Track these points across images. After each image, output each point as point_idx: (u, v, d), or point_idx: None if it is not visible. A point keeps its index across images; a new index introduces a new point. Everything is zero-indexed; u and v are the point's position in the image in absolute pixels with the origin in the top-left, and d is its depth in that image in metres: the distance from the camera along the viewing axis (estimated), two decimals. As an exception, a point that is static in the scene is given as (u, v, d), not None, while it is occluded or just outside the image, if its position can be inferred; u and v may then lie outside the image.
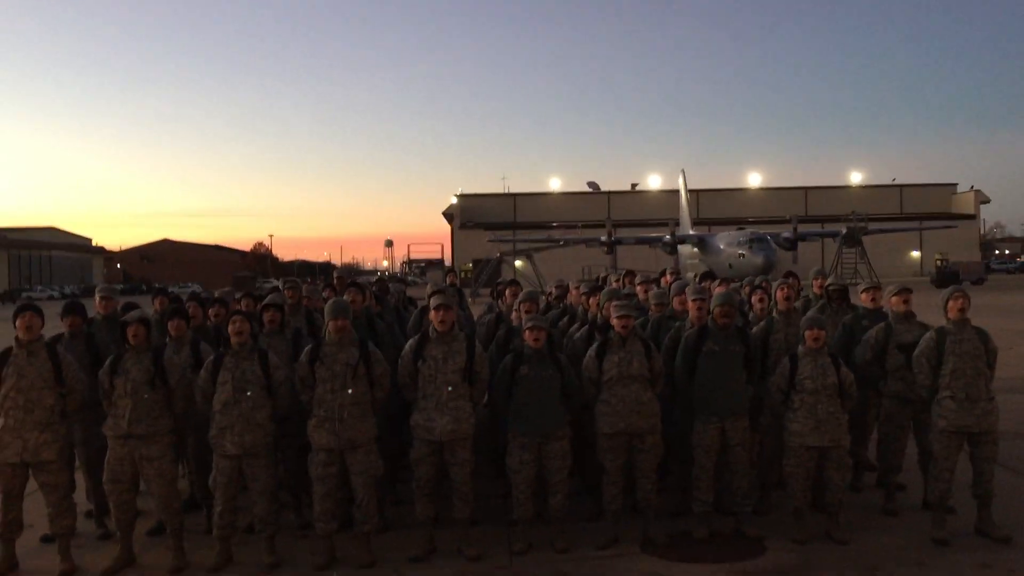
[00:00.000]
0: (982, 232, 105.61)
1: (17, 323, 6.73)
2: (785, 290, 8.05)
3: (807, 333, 7.09)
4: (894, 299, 7.79)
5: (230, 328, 6.82)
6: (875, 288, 8.34)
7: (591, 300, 8.50)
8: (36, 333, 6.75)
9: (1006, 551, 6.71)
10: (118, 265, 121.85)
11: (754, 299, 8.58)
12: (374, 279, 10.21)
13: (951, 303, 7.07)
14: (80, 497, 7.75)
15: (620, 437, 7.02)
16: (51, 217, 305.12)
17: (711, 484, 7.19)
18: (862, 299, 8.38)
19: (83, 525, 7.66)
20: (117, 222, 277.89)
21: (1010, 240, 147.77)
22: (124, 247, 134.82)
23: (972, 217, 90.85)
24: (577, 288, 9.42)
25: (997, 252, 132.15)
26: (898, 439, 7.85)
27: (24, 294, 77.91)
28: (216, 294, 9.23)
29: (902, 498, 8.01)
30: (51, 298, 72.03)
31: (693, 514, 7.31)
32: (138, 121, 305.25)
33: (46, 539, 7.21)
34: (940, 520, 7.06)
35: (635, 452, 7.06)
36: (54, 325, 7.67)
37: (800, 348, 7.15)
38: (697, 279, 10.37)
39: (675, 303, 8.22)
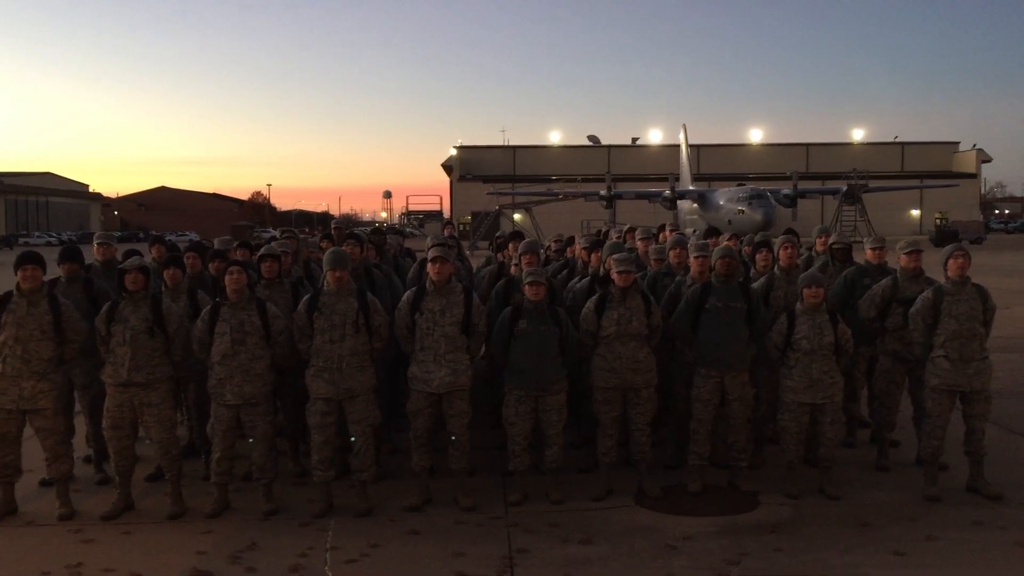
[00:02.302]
0: (983, 191, 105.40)
1: (19, 274, 6.70)
2: (789, 249, 8.01)
3: (805, 291, 7.08)
4: (904, 257, 7.70)
5: (226, 280, 6.78)
6: (881, 247, 8.31)
7: (592, 255, 8.49)
8: (37, 284, 6.74)
9: (997, 508, 6.78)
10: (115, 212, 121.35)
11: (758, 257, 8.52)
12: (371, 230, 10.14)
13: (951, 262, 7.05)
14: (79, 442, 7.81)
15: (615, 391, 7.05)
16: (48, 162, 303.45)
17: (708, 438, 7.24)
18: (867, 255, 8.34)
19: (82, 470, 7.73)
20: (114, 169, 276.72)
21: (1010, 200, 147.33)
22: (121, 194, 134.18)
23: (973, 176, 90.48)
24: (579, 243, 9.38)
25: (997, 212, 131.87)
26: (892, 396, 7.89)
27: (21, 239, 77.82)
28: (216, 243, 9.19)
29: (895, 454, 8.08)
30: (48, 244, 71.92)
31: (688, 467, 7.36)
32: (136, 67, 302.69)
33: (45, 483, 7.27)
34: (932, 476, 7.12)
35: (630, 405, 7.10)
36: (51, 270, 7.65)
37: (798, 305, 7.15)
38: (702, 236, 10.33)
39: (671, 256, 8.21)
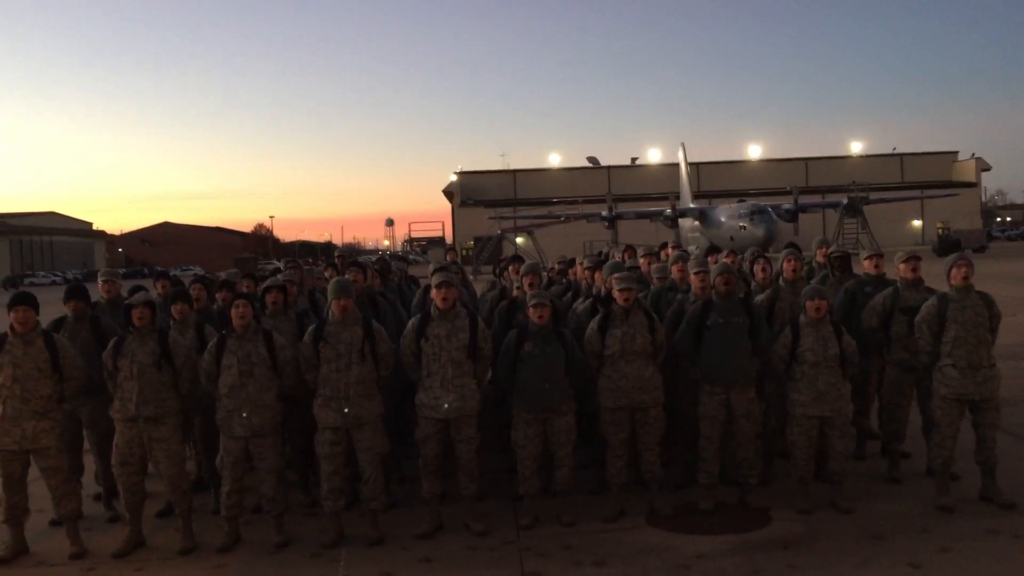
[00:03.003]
0: (983, 200, 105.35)
1: (12, 316, 6.71)
2: (793, 262, 8.03)
3: (808, 303, 7.08)
4: (902, 266, 7.73)
5: (232, 312, 6.80)
6: (878, 256, 8.33)
7: (595, 275, 8.51)
8: (31, 325, 6.74)
9: (1011, 516, 6.74)
10: (119, 249, 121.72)
11: (756, 268, 8.58)
12: (375, 258, 10.18)
13: (954, 271, 7.05)
14: (88, 480, 7.80)
15: (623, 411, 7.04)
16: (51, 202, 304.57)
17: (716, 455, 7.22)
18: (864, 266, 8.36)
19: (93, 508, 7.72)
20: (117, 206, 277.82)
21: (1011, 207, 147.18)
22: (125, 231, 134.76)
23: (973, 185, 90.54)
24: (581, 264, 9.41)
25: (999, 219, 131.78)
26: (901, 407, 7.87)
27: (26, 279, 77.97)
28: (222, 276, 9.22)
29: (906, 466, 8.04)
30: (53, 283, 72.09)
31: (698, 485, 7.34)
32: (135, 105, 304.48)
33: (55, 523, 7.26)
34: (944, 487, 7.09)
35: (638, 425, 7.09)
36: (58, 309, 7.69)
37: (802, 318, 7.16)
38: (703, 253, 10.37)
39: (674, 271, 8.24)
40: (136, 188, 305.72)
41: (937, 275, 7.60)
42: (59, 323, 7.59)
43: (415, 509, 7.23)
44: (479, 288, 12.04)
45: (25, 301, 6.75)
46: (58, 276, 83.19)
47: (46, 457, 6.78)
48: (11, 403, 6.63)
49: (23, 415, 6.65)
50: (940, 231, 78.46)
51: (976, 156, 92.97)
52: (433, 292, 6.97)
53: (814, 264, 9.58)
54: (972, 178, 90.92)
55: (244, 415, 6.66)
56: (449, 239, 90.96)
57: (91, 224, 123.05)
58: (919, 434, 7.97)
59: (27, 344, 6.68)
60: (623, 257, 10.41)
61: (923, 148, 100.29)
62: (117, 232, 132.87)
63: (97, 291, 8.43)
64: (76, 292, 7.66)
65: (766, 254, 8.75)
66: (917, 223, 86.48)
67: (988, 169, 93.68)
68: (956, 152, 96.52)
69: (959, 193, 78.43)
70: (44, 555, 6.82)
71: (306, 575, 6.16)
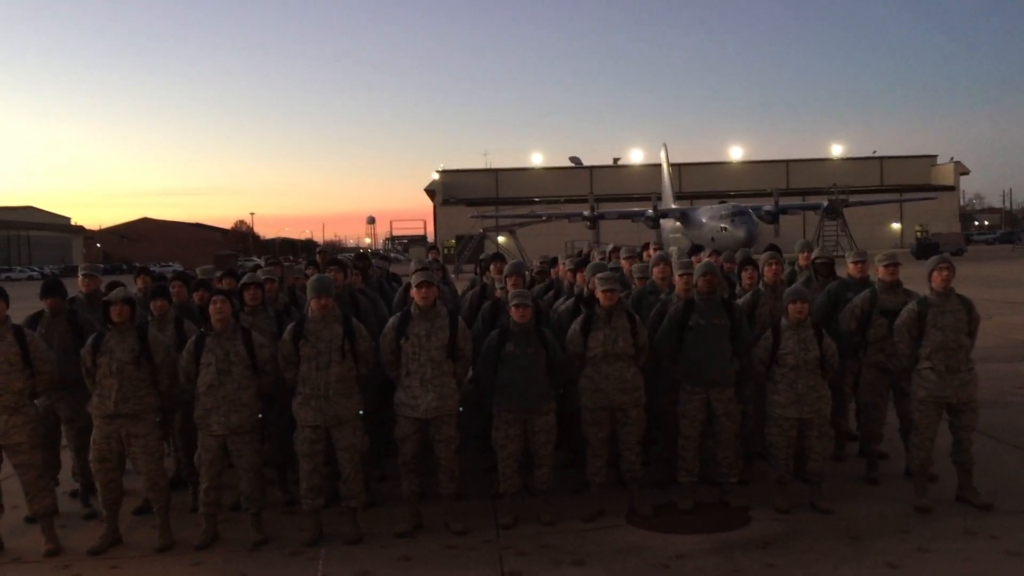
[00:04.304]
0: (962, 203, 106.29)
1: None
2: (774, 266, 8.08)
3: (790, 306, 7.11)
4: (881, 269, 7.81)
5: (211, 310, 6.75)
6: (863, 260, 8.37)
7: (578, 275, 8.51)
8: (1, 319, 6.68)
9: (988, 518, 6.79)
10: (98, 244, 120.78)
11: (744, 275, 8.58)
12: (355, 255, 10.13)
13: (935, 274, 7.09)
14: (66, 476, 7.73)
15: (604, 411, 7.05)
16: (29, 197, 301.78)
17: (696, 455, 7.23)
18: (849, 269, 8.41)
19: (69, 505, 7.65)
20: (96, 201, 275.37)
21: (989, 211, 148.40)
22: (103, 226, 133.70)
23: (952, 188, 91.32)
24: (564, 263, 9.40)
25: (977, 223, 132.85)
26: (877, 408, 7.92)
27: (3, 274, 77.27)
28: (199, 272, 9.15)
29: (884, 467, 8.09)
30: (30, 278, 71.44)
31: (678, 485, 7.36)
32: (115, 100, 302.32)
33: (30, 520, 7.18)
34: (922, 488, 7.14)
35: (619, 425, 7.09)
36: (35, 304, 7.61)
37: (783, 321, 7.18)
38: (686, 253, 10.38)
39: (655, 273, 8.23)
40: (115, 184, 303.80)
41: (915, 278, 7.65)
42: (36, 318, 7.51)
43: (394, 508, 7.21)
44: (460, 287, 12.01)
45: None
46: (35, 271, 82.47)
47: (18, 453, 6.71)
48: None
49: None
50: (919, 234, 79.09)
51: (955, 160, 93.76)
52: (413, 291, 6.95)
53: (796, 268, 9.60)
54: (951, 182, 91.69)
55: (222, 413, 6.62)
56: (431, 237, 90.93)
57: (69, 219, 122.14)
58: (896, 435, 8.03)
59: None
60: (609, 257, 10.42)
61: (903, 151, 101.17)
62: (96, 227, 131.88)
63: (75, 286, 8.35)
64: (53, 288, 7.58)
65: (753, 259, 8.73)
66: (896, 226, 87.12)
67: (967, 173, 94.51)
68: (935, 156, 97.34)
69: (937, 196, 79.22)
70: (19, 552, 6.76)
71: (284, 573, 6.12)
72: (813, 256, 9.04)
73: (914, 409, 7.19)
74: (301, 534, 6.78)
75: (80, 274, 8.49)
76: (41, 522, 6.81)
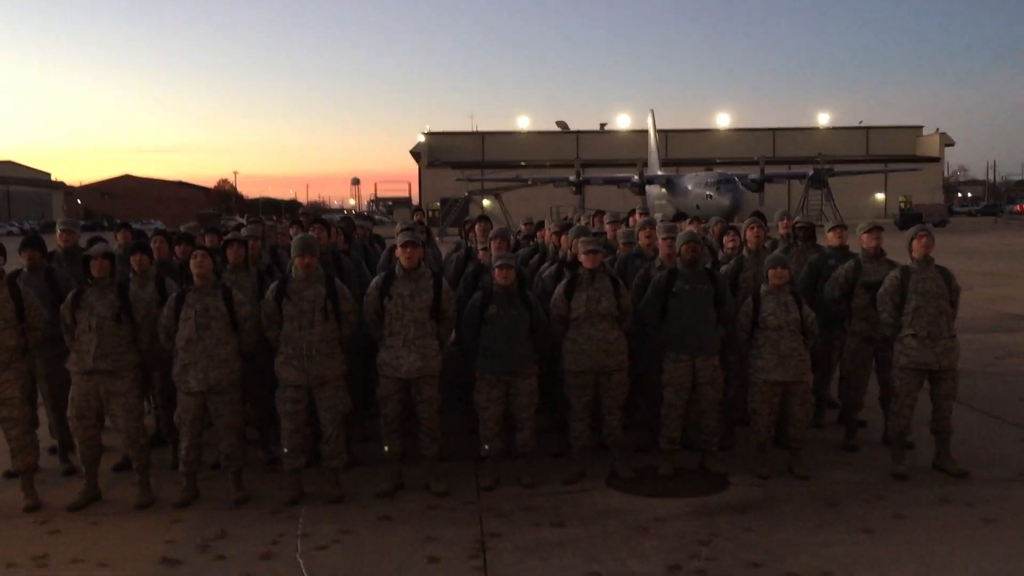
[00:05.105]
0: (946, 175, 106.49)
1: None
2: (755, 229, 8.09)
3: (770, 272, 7.13)
4: (865, 236, 7.85)
5: (191, 264, 6.69)
6: (842, 227, 8.39)
7: (562, 239, 8.48)
8: None
9: (963, 485, 6.87)
10: (78, 201, 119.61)
11: (726, 240, 8.62)
12: (339, 217, 10.07)
13: (915, 242, 7.12)
14: (44, 433, 7.69)
15: (587, 374, 7.06)
16: (8, 151, 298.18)
17: (679, 422, 7.26)
18: (828, 238, 8.43)
19: (48, 461, 7.62)
20: (77, 157, 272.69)
21: (973, 183, 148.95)
22: (84, 183, 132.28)
23: (937, 160, 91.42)
24: (549, 228, 9.37)
25: (960, 195, 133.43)
26: (860, 377, 7.97)
27: (-18, 230, 76.47)
28: (182, 229, 9.07)
29: (863, 435, 8.17)
30: (10, 234, 70.74)
31: (659, 450, 7.40)
32: (97, 55, 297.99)
33: (10, 475, 7.16)
34: (899, 455, 7.21)
35: (602, 389, 7.11)
36: (13, 260, 7.53)
37: (763, 287, 7.20)
38: (670, 220, 10.36)
39: (641, 237, 8.21)
40: (97, 140, 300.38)
41: (898, 249, 7.67)
42: (15, 275, 7.43)
43: (376, 468, 7.22)
44: (444, 250, 11.97)
45: None
46: (14, 226, 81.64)
47: (9, 407, 6.69)
48: None
49: None
50: (902, 205, 79.37)
51: (940, 131, 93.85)
52: (398, 251, 6.91)
53: (777, 237, 9.60)
54: (936, 153, 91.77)
55: (200, 369, 6.58)
56: (416, 200, 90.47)
57: (49, 175, 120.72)
58: (876, 404, 8.09)
59: None
60: (592, 222, 10.39)
61: (888, 122, 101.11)
62: (77, 184, 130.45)
63: (54, 242, 8.26)
64: (32, 242, 7.52)
65: (733, 224, 8.76)
66: (880, 196, 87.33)
67: (952, 144, 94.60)
68: (921, 127, 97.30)
69: (922, 168, 79.22)
70: (-3, 508, 6.73)
71: (265, 532, 6.13)
72: (794, 221, 9.06)
73: (895, 376, 7.24)
74: (282, 493, 6.78)
75: (58, 229, 8.40)
76: (22, 478, 6.79)
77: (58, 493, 6.98)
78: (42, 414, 7.74)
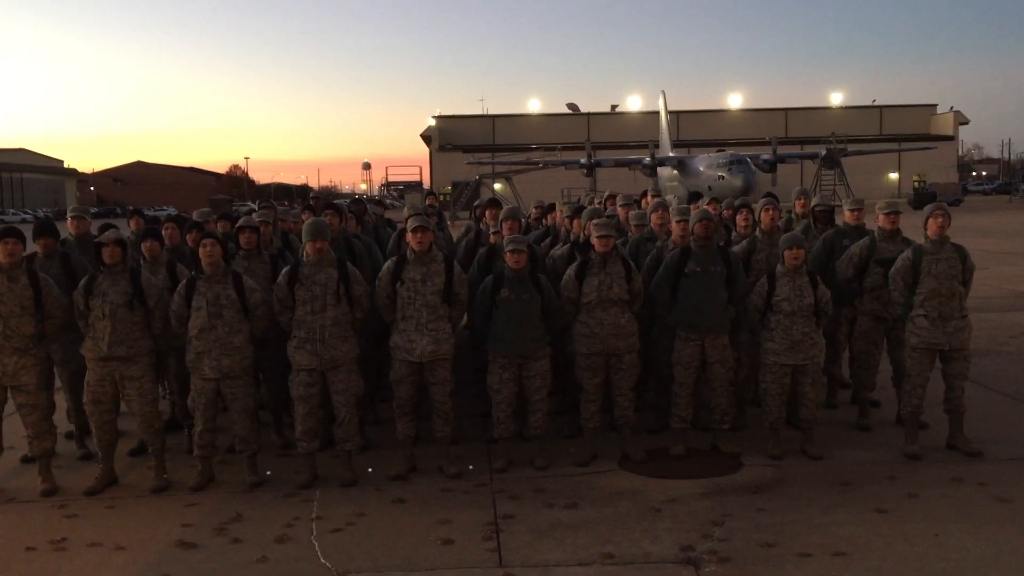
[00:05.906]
0: (960, 154, 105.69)
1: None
2: (771, 211, 8.05)
3: (786, 252, 7.09)
4: (882, 217, 7.80)
5: (201, 253, 6.69)
6: (859, 208, 8.33)
7: (574, 222, 8.47)
8: (17, 258, 6.64)
9: (976, 465, 6.85)
10: (91, 188, 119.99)
11: (739, 218, 8.59)
12: (351, 200, 10.07)
13: (931, 221, 7.07)
14: (60, 418, 7.76)
15: (598, 357, 7.06)
16: (22, 139, 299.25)
17: (690, 402, 7.27)
18: (846, 216, 8.37)
19: (64, 446, 7.69)
20: (89, 144, 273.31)
21: (988, 162, 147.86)
22: (97, 170, 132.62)
23: (951, 138, 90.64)
24: (561, 210, 9.35)
25: (974, 174, 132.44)
26: (871, 356, 7.95)
27: (-3, 217, 76.84)
28: (195, 215, 9.09)
29: (875, 414, 8.16)
30: (24, 221, 71.08)
31: (670, 431, 7.41)
32: (108, 43, 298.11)
33: (27, 460, 7.23)
34: (912, 435, 7.19)
35: (613, 371, 7.11)
36: (28, 247, 7.56)
37: (779, 267, 7.17)
38: (684, 201, 10.34)
39: (653, 219, 8.19)
40: (109, 127, 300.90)
41: (913, 228, 7.63)
42: (29, 260, 7.46)
43: (389, 451, 7.25)
44: (456, 233, 11.98)
45: (13, 234, 6.66)
46: (28, 214, 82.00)
47: (26, 393, 6.74)
48: None
49: (4, 351, 6.61)
50: (916, 184, 78.84)
51: (955, 110, 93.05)
52: (408, 236, 6.92)
53: (792, 215, 9.57)
54: (950, 131, 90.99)
55: (214, 357, 6.61)
56: (427, 184, 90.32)
57: (62, 162, 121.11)
58: (889, 383, 8.07)
59: (12, 281, 6.59)
60: (605, 204, 10.36)
61: (902, 101, 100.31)
62: (89, 171, 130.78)
63: (67, 229, 8.30)
64: (46, 229, 7.54)
65: (749, 204, 8.71)
66: (894, 175, 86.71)
67: (966, 123, 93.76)
68: (935, 105, 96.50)
69: (936, 147, 78.58)
70: (15, 492, 6.80)
71: (279, 514, 6.17)
72: (813, 204, 8.99)
73: (906, 356, 7.22)
74: (296, 476, 6.83)
75: (69, 216, 8.44)
76: (40, 463, 6.86)
77: (75, 478, 7.04)
78: (59, 399, 7.80)
